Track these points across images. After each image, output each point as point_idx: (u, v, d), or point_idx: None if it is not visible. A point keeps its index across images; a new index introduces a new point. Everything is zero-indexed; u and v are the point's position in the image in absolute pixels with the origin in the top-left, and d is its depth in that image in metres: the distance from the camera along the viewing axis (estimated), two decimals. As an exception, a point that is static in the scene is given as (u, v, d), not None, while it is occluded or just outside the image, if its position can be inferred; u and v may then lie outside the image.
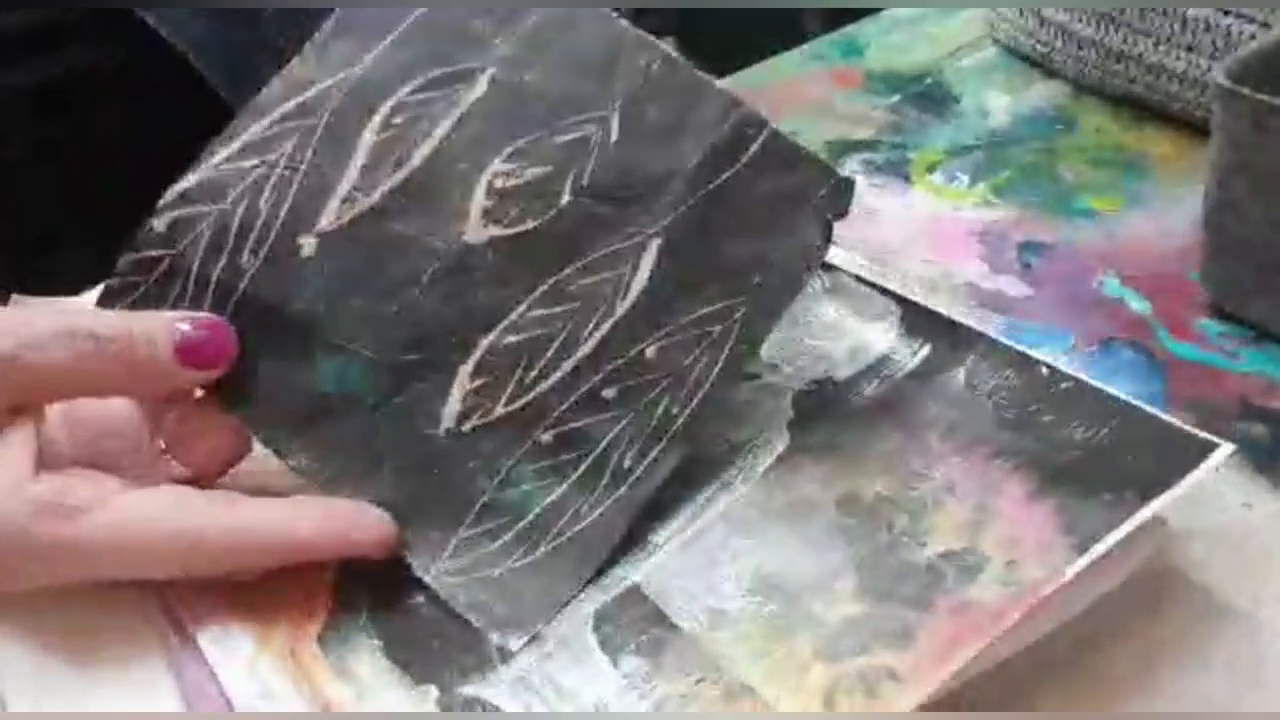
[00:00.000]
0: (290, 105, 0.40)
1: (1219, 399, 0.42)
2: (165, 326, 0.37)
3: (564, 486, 0.37)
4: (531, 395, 0.38)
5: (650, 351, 0.38)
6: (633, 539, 0.37)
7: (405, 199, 0.39)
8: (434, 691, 0.34)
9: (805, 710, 0.32)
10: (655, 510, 0.38)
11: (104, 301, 0.39)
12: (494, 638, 0.35)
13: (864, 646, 0.33)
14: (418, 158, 0.39)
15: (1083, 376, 0.39)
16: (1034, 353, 0.40)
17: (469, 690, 0.34)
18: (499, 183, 0.39)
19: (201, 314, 0.38)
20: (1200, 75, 0.54)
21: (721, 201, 0.39)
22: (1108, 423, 0.37)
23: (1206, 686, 0.34)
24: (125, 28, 0.55)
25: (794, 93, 0.62)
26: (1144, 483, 0.34)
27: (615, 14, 0.41)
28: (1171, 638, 0.35)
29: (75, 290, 0.47)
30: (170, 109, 0.58)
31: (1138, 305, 0.47)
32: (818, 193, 0.39)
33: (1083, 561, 0.33)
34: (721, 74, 0.62)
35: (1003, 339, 0.41)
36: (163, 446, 0.38)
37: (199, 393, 0.39)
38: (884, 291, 0.43)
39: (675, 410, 0.38)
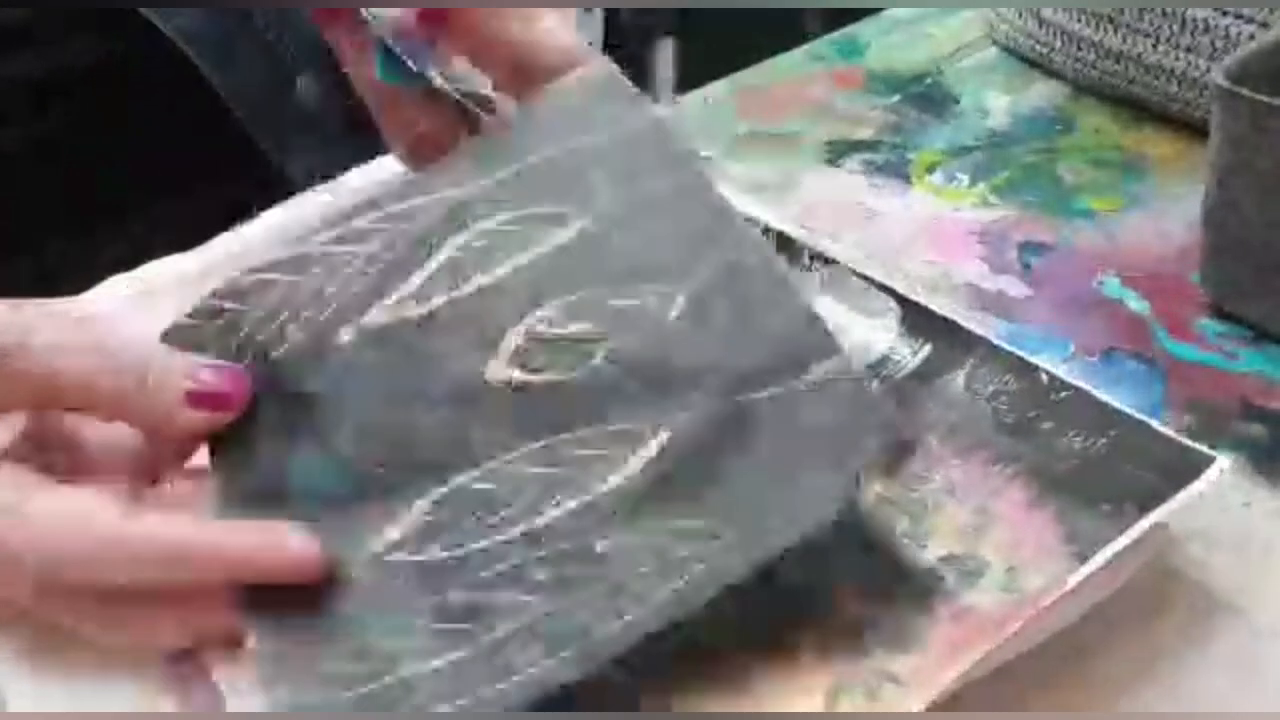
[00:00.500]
0: (399, 207, 0.40)
1: (1218, 399, 0.42)
2: (185, 363, 0.37)
3: (440, 661, 0.33)
4: (467, 549, 0.35)
5: (600, 546, 0.34)
6: None
7: (448, 319, 0.38)
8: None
9: (807, 709, 0.32)
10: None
11: (166, 337, 0.39)
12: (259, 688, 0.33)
13: (865, 648, 0.33)
14: (475, 283, 0.39)
15: (1082, 385, 0.39)
16: (1034, 359, 0.40)
17: None
18: (540, 328, 0.38)
19: (226, 364, 0.38)
20: (1199, 76, 0.54)
21: (749, 418, 0.35)
22: (1106, 432, 0.37)
23: (1206, 686, 0.34)
24: (125, 22, 0.55)
25: (794, 93, 0.62)
26: (1143, 494, 0.35)
27: (724, 196, 0.39)
28: (1171, 638, 0.35)
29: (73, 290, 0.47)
30: (170, 105, 0.58)
31: (1137, 305, 0.47)
32: (865, 443, 0.34)
33: (1084, 571, 0.33)
34: (721, 74, 0.63)
35: (1003, 344, 0.41)
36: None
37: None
38: (883, 288, 0.43)
39: (597, 622, 0.33)
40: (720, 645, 0.34)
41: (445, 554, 0.35)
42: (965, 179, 0.55)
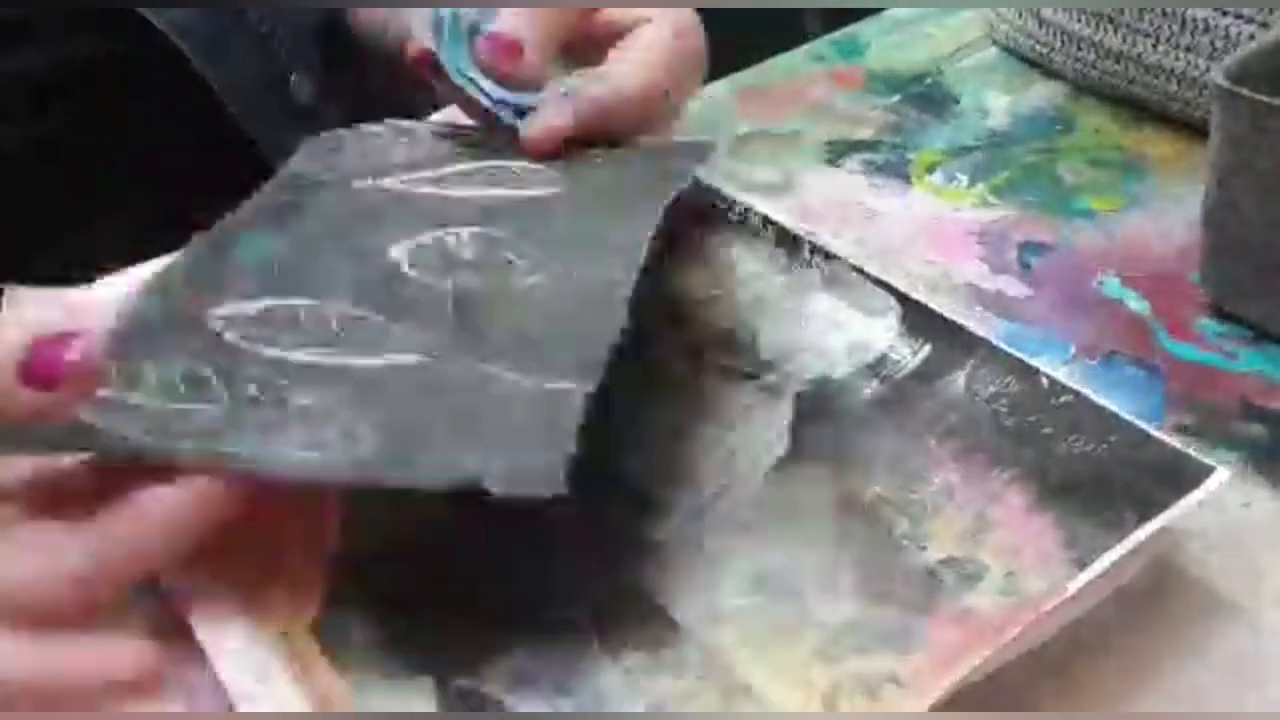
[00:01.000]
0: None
1: (1218, 399, 0.42)
2: (19, 335, 0.31)
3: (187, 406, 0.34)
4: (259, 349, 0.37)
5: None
6: (631, 537, 0.37)
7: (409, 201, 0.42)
8: (430, 683, 0.34)
9: (805, 710, 0.32)
10: (654, 509, 0.38)
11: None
12: None
13: (864, 649, 0.33)
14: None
15: (1083, 391, 0.39)
16: (1034, 362, 0.40)
17: (465, 682, 0.34)
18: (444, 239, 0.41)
19: (75, 331, 0.32)
20: (1199, 76, 0.54)
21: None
22: (1106, 439, 0.37)
23: (1206, 686, 0.34)
24: (123, 20, 0.55)
25: (794, 93, 0.62)
26: (1142, 502, 0.35)
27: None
28: (1171, 637, 0.35)
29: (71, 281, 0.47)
30: (169, 103, 0.58)
31: (1137, 305, 0.47)
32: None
33: (1084, 577, 0.33)
34: (721, 74, 0.63)
35: (1004, 346, 0.41)
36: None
37: None
38: (884, 285, 0.43)
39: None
40: (720, 646, 0.34)
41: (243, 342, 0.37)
42: (965, 179, 0.55)
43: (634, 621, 0.35)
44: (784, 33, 0.71)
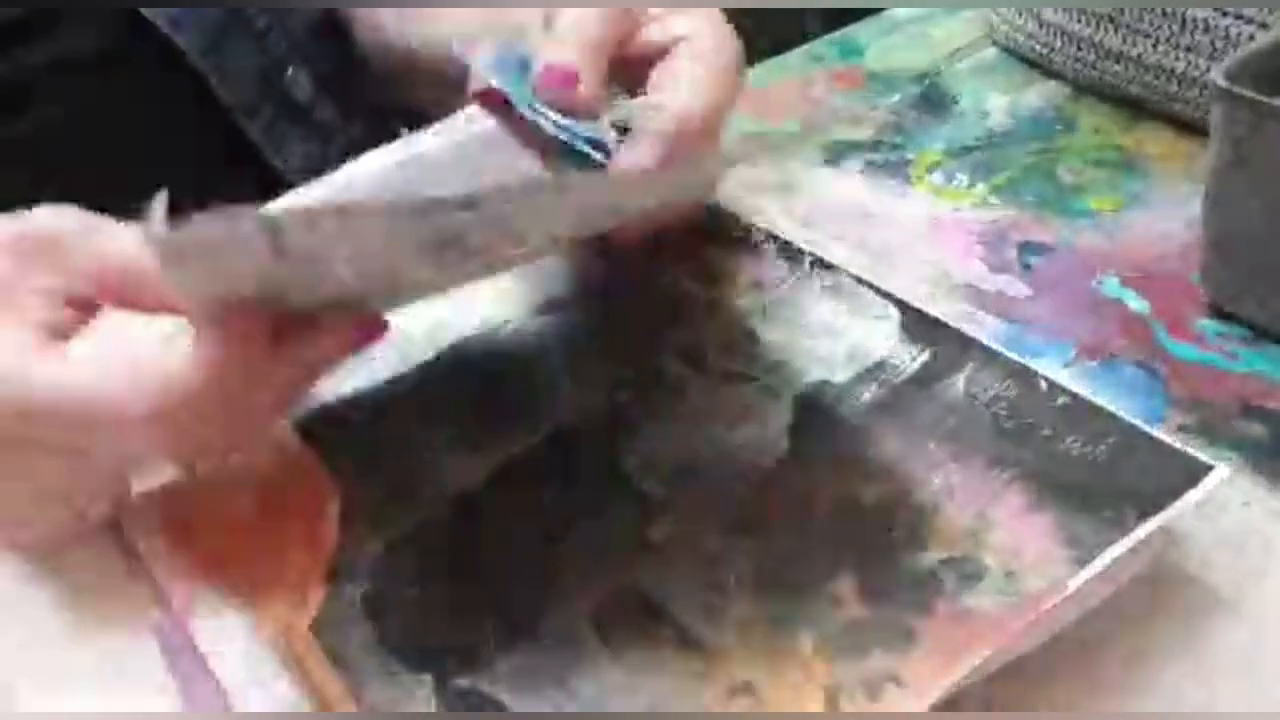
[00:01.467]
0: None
1: (1218, 399, 0.42)
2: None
3: None
4: None
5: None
6: (631, 536, 0.37)
7: None
8: (429, 681, 0.34)
9: (808, 709, 0.32)
10: (654, 508, 0.38)
11: None
12: None
13: (865, 649, 0.33)
14: None
15: (1081, 392, 0.39)
16: (1033, 364, 0.40)
17: (465, 681, 0.34)
18: None
19: None
20: (1199, 76, 0.54)
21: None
22: (1105, 439, 0.37)
23: (1206, 686, 0.34)
24: (122, 17, 0.55)
25: (794, 93, 0.62)
26: (1142, 501, 0.35)
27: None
28: (1171, 637, 0.35)
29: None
30: (167, 100, 0.58)
31: (1137, 305, 0.47)
32: None
33: (1084, 575, 0.34)
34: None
35: (1002, 350, 0.41)
36: None
37: None
38: (883, 294, 0.44)
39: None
40: (721, 645, 0.34)
41: None
42: (965, 179, 0.55)
43: (634, 622, 0.35)
44: (784, 33, 0.71)
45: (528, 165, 0.43)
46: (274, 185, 0.53)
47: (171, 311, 0.36)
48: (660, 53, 0.44)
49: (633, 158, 0.41)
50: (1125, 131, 0.57)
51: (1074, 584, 0.33)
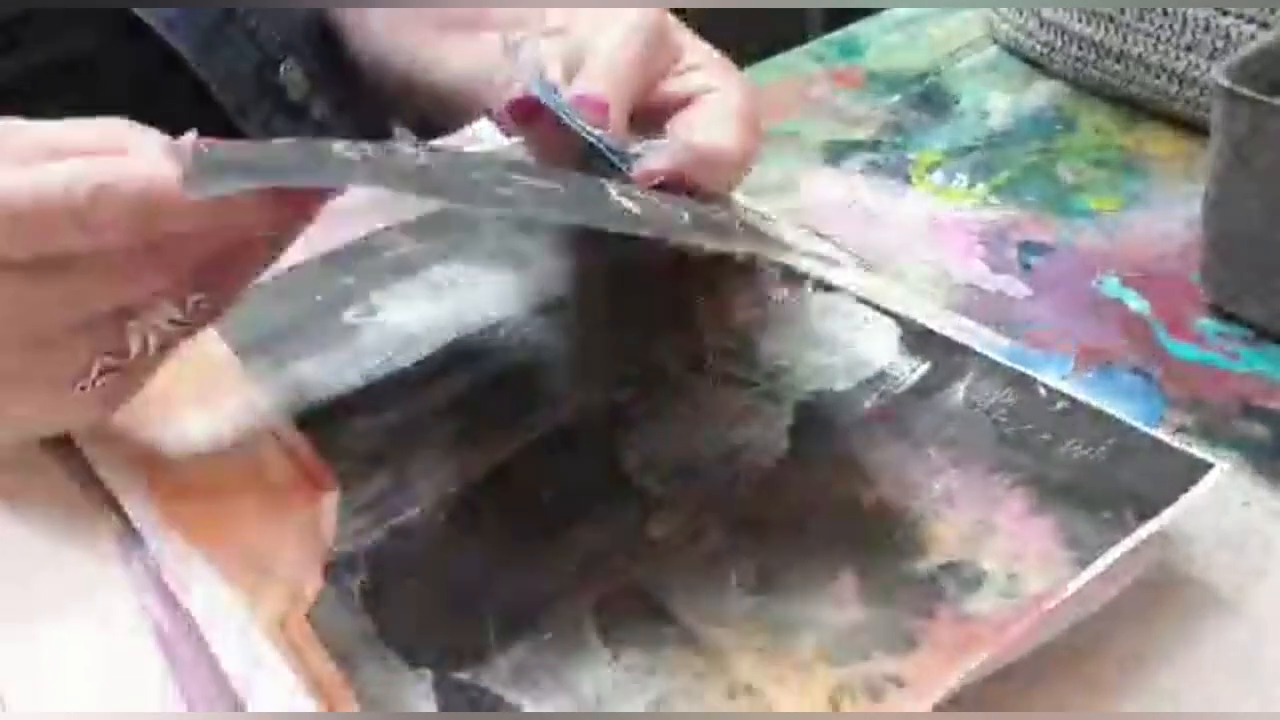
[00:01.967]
0: None
1: (1218, 399, 0.42)
2: None
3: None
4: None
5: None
6: (631, 534, 0.37)
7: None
8: (429, 676, 0.34)
9: (809, 710, 0.32)
10: (655, 506, 0.38)
11: None
12: None
13: (866, 651, 0.33)
14: None
15: (1080, 396, 0.39)
16: (1032, 372, 0.41)
17: (464, 676, 0.34)
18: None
19: None
20: (1199, 75, 0.54)
21: None
22: (1105, 441, 0.38)
23: (1207, 687, 0.34)
24: (116, 18, 0.55)
25: (794, 93, 0.62)
26: (1142, 501, 0.35)
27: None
28: (1172, 637, 0.35)
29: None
30: (162, 100, 0.58)
31: (1137, 305, 0.47)
32: None
33: (1085, 576, 0.34)
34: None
35: (1002, 359, 0.41)
36: None
37: None
38: (885, 312, 0.44)
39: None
40: (721, 645, 0.34)
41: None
42: (965, 179, 0.55)
43: (634, 620, 0.35)
44: (784, 33, 0.71)
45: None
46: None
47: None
48: (681, 104, 0.45)
49: (657, 161, 0.42)
50: (1125, 131, 0.57)
51: (1075, 585, 0.33)
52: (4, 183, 0.35)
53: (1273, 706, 0.33)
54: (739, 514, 0.38)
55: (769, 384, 0.42)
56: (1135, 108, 0.58)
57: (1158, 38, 0.55)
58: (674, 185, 0.42)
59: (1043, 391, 0.40)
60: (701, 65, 0.46)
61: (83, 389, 0.38)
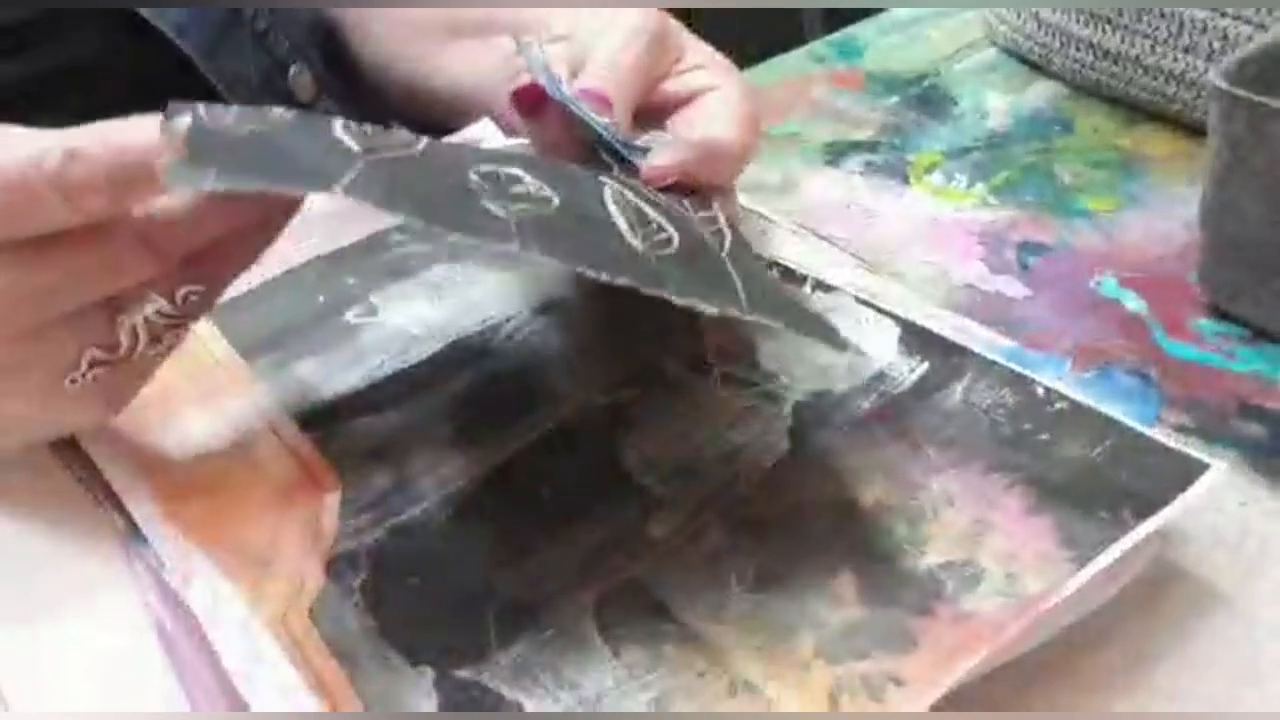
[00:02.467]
0: None
1: (1216, 399, 0.43)
2: None
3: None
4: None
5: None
6: (632, 533, 0.37)
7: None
8: (430, 673, 0.34)
9: (809, 709, 0.32)
10: (655, 505, 0.38)
11: None
12: None
13: (865, 650, 0.33)
14: None
15: (1078, 397, 0.39)
16: (1029, 373, 0.41)
17: (465, 674, 0.34)
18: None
19: None
20: (1197, 76, 0.54)
21: None
22: (1102, 442, 0.38)
23: (1204, 686, 0.34)
24: (123, 20, 0.55)
25: (794, 93, 0.62)
26: (1139, 501, 0.35)
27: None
28: (1169, 636, 0.35)
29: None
30: (159, 102, 0.58)
31: (1135, 305, 0.47)
32: None
33: (1083, 575, 0.34)
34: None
35: (1000, 360, 0.42)
36: None
37: None
38: (883, 312, 0.44)
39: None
40: (721, 644, 0.34)
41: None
42: (964, 179, 0.55)
43: (635, 618, 0.35)
44: (784, 33, 0.71)
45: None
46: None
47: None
48: (682, 103, 0.45)
49: (662, 158, 0.42)
50: (1124, 132, 0.57)
51: (1073, 584, 0.34)
52: None
53: (1270, 704, 0.33)
54: (739, 514, 0.38)
55: (769, 384, 0.42)
56: (1133, 109, 0.58)
57: (1156, 39, 0.55)
58: (677, 182, 0.42)
59: (1041, 391, 0.40)
60: (702, 65, 0.46)
61: (73, 382, 0.37)
